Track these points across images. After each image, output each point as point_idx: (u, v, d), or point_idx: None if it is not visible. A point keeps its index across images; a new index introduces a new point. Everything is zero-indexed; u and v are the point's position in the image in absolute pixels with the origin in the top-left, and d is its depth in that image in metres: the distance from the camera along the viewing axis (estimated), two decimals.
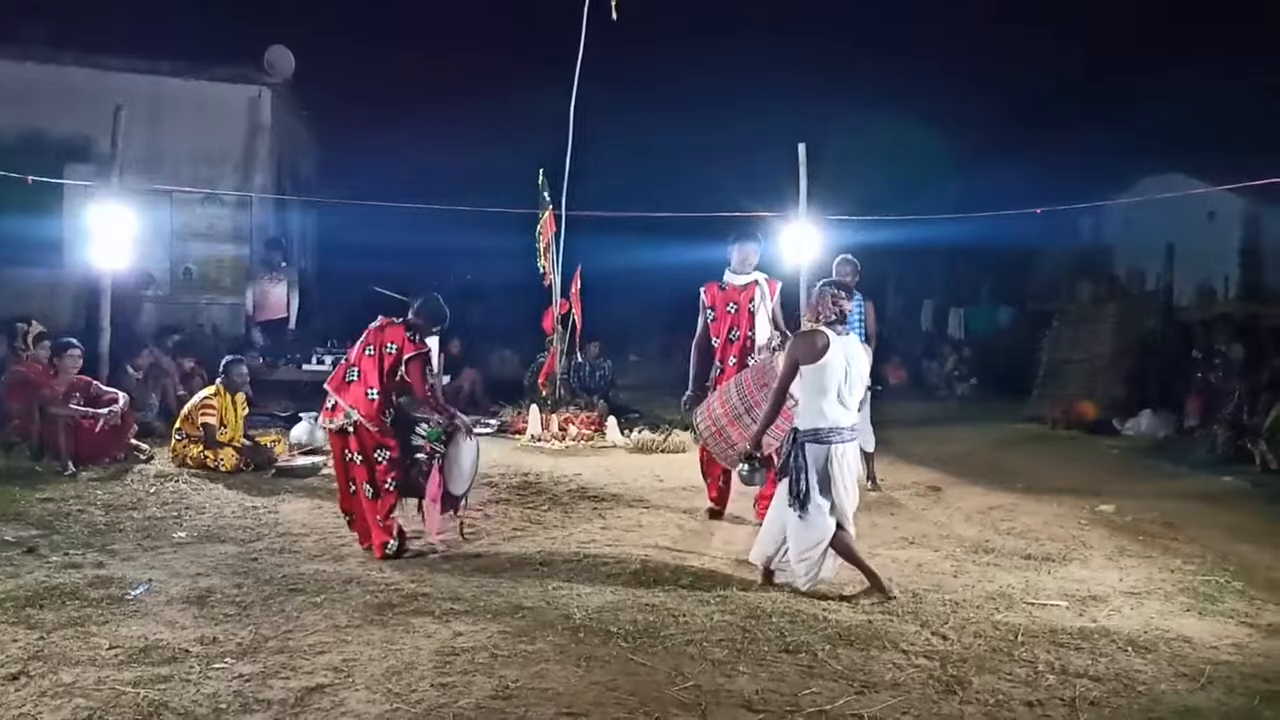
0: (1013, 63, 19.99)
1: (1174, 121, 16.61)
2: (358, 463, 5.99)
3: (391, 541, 5.92)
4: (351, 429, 5.95)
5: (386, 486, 5.96)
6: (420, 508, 6.11)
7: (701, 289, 7.24)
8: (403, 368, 5.98)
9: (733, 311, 7.03)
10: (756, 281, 7.06)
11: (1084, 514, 7.57)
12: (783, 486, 5.40)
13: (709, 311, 7.14)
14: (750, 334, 6.97)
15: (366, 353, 6.05)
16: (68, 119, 11.98)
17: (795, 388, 5.40)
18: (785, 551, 5.42)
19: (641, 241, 13.56)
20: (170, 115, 12.49)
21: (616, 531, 6.73)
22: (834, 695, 4.03)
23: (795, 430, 5.36)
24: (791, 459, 5.32)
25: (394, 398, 6.09)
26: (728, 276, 7.16)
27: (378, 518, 5.93)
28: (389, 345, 6.02)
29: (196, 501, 7.23)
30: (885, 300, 18.39)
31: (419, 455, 6.05)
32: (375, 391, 5.95)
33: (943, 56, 20.51)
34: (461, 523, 6.33)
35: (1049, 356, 13.97)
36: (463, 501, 6.30)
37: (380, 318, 6.19)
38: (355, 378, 6.01)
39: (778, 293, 7.10)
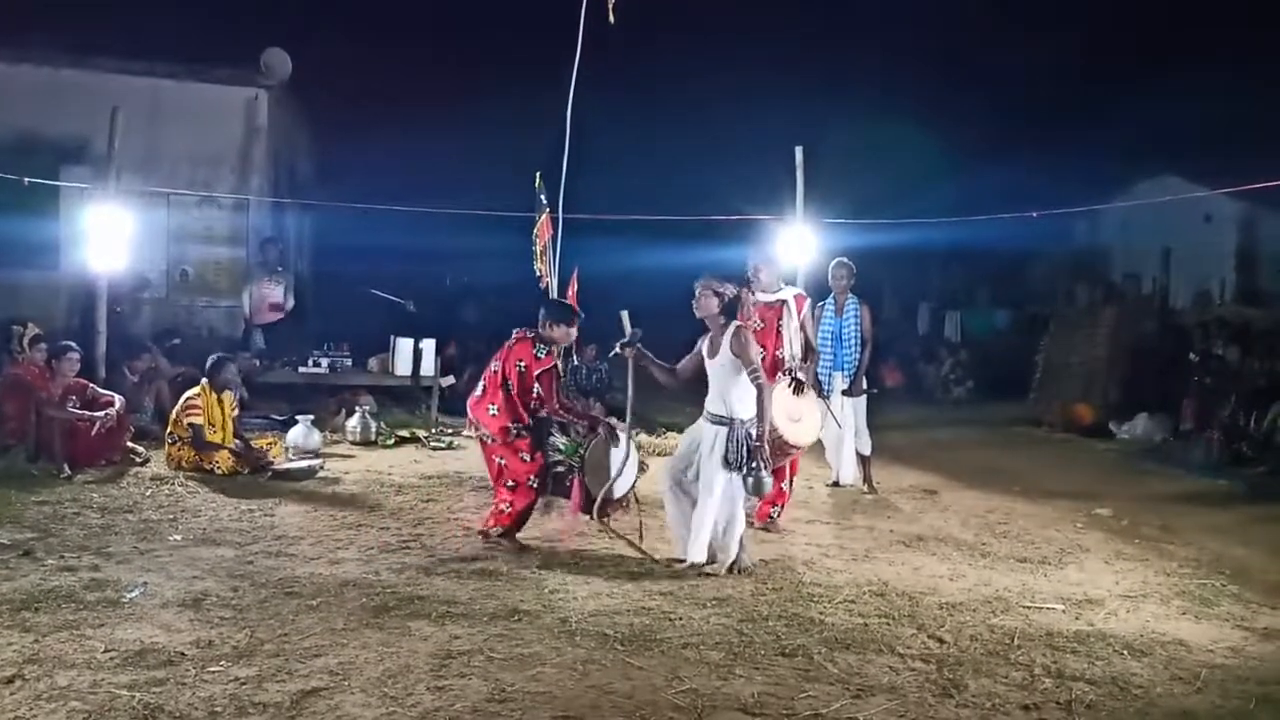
0: (1009, 66, 20.03)
1: (1170, 125, 16.65)
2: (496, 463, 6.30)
3: (497, 528, 6.18)
4: (485, 439, 6.26)
5: (506, 484, 6.20)
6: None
7: None
8: (536, 384, 6.11)
9: (759, 328, 6.78)
10: (785, 301, 6.87)
11: (1080, 517, 7.58)
12: (717, 478, 5.64)
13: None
14: (778, 353, 6.78)
15: (492, 368, 6.26)
16: (64, 120, 11.94)
17: (731, 386, 5.70)
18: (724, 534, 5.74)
19: (638, 244, 13.54)
20: (167, 117, 12.44)
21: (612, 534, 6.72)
22: (830, 699, 4.04)
23: (741, 421, 5.63)
24: (747, 446, 5.60)
25: (525, 410, 6.16)
26: (758, 294, 6.89)
27: (500, 505, 6.23)
28: (519, 363, 6.16)
29: (192, 504, 7.21)
30: (881, 303, 18.38)
31: (559, 468, 6.19)
32: (495, 408, 6.16)
33: (939, 60, 20.54)
34: (640, 523, 6.32)
35: (1045, 360, 13.98)
36: (625, 499, 6.36)
37: (515, 331, 6.34)
38: (480, 393, 6.28)
39: (806, 308, 6.98)
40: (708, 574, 5.66)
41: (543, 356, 6.16)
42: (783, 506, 6.95)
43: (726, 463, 5.64)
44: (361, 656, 4.30)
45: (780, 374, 6.62)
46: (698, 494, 5.77)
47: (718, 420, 5.71)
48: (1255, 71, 16.32)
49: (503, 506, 6.20)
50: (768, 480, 5.69)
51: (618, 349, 6.06)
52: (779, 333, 6.84)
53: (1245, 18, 18.26)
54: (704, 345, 5.91)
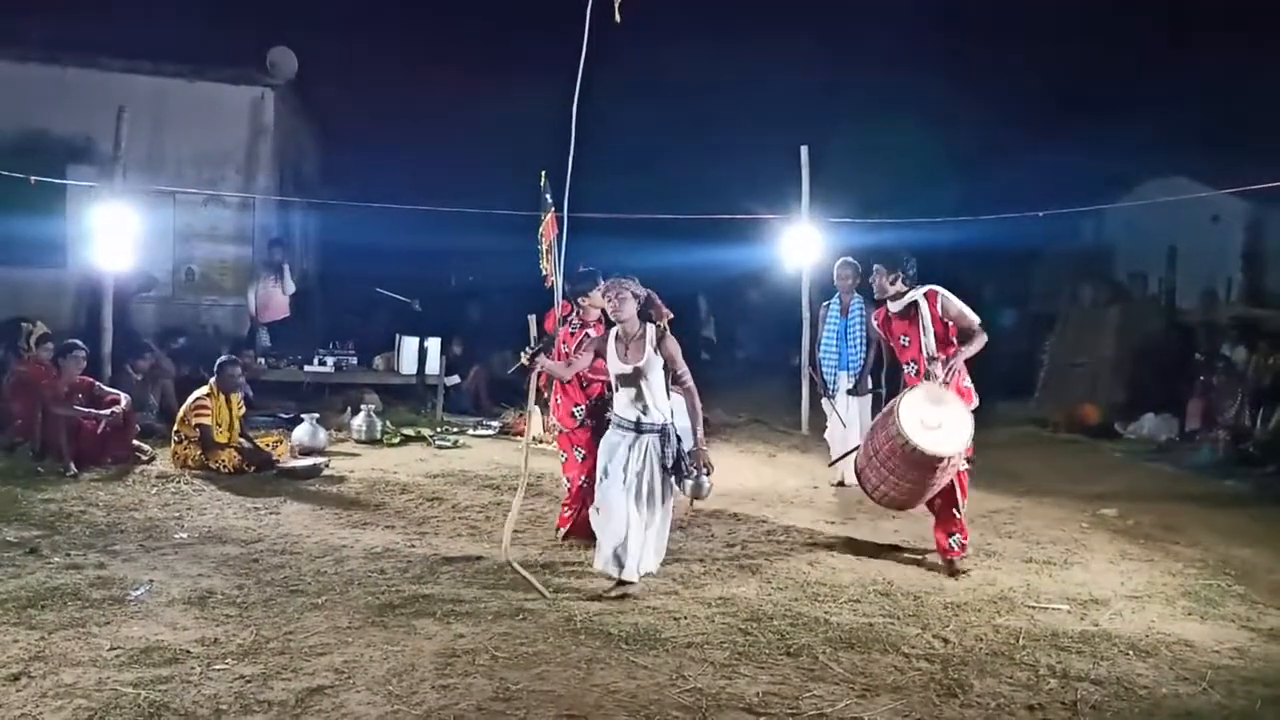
0: (1015, 65, 20.00)
1: (1177, 124, 16.59)
2: None
3: (561, 530, 6.39)
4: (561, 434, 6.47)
5: (573, 481, 6.33)
6: None
7: (872, 316, 6.93)
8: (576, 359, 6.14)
9: (906, 344, 6.29)
10: (915, 303, 6.16)
11: (1085, 517, 7.57)
12: (661, 486, 5.41)
13: (885, 340, 6.69)
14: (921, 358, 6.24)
15: None
16: (70, 120, 11.97)
17: (655, 386, 5.48)
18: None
19: (644, 243, 13.53)
20: (173, 116, 12.47)
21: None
22: (835, 698, 4.03)
23: (671, 426, 5.47)
24: (678, 451, 5.43)
25: (581, 390, 6.27)
26: (891, 305, 6.32)
27: (564, 507, 6.44)
28: (563, 345, 6.31)
29: (197, 502, 7.23)
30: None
31: None
32: (560, 397, 6.37)
33: (944, 59, 20.48)
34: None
35: (1051, 359, 13.95)
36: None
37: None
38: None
39: (939, 302, 6.13)
40: (626, 586, 5.31)
41: (575, 331, 6.34)
42: (962, 536, 6.08)
43: (674, 469, 5.39)
44: (366, 655, 4.31)
45: (921, 379, 6.09)
46: (636, 510, 5.34)
47: (645, 428, 5.41)
48: (1262, 70, 16.26)
49: (564, 511, 6.42)
50: (707, 484, 5.47)
51: (525, 359, 5.68)
52: (921, 343, 6.18)
53: (1252, 16, 18.20)
54: (610, 349, 5.57)
